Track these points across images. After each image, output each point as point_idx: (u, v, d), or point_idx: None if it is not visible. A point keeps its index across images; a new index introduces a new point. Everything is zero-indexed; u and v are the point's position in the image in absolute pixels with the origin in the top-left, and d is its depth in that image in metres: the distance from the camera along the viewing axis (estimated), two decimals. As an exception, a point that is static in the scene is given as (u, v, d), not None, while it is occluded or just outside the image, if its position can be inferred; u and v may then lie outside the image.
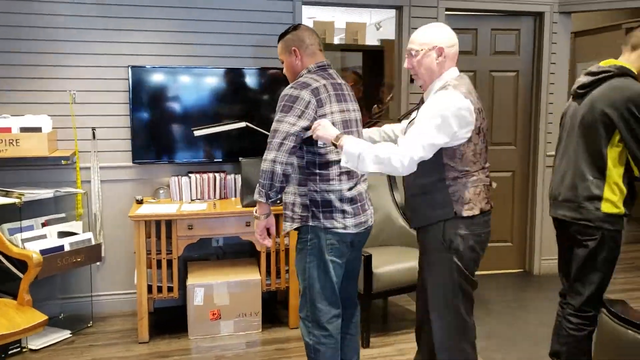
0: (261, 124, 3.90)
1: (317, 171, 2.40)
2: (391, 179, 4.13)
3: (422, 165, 2.23)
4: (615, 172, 2.53)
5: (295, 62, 2.51)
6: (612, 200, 2.52)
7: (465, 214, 2.26)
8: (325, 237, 2.42)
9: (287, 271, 3.70)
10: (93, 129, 3.78)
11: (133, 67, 3.70)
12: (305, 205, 2.42)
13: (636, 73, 2.59)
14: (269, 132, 3.79)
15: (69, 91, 3.73)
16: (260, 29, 4.03)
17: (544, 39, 4.63)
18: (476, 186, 2.29)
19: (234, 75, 3.93)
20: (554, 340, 2.84)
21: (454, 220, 2.28)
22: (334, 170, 2.40)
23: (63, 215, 3.70)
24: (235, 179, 3.92)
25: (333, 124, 2.36)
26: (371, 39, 7.33)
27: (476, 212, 2.28)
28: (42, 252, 3.15)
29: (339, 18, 7.74)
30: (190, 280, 3.52)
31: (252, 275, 3.62)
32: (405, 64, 2.36)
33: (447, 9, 4.41)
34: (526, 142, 4.81)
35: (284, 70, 2.60)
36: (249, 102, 3.97)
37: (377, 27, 7.62)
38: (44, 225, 3.56)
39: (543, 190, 4.76)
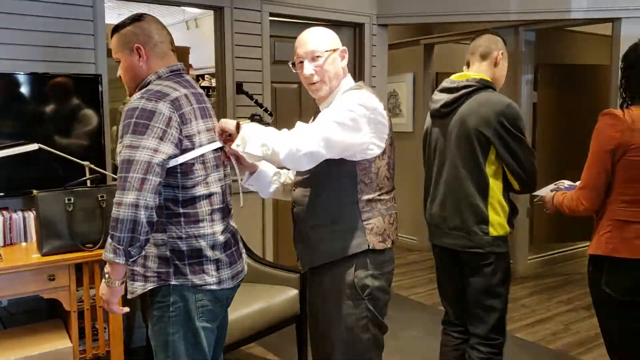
0: (56, 146, 3.05)
1: (181, 210, 1.80)
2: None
3: (332, 184, 1.87)
4: (496, 189, 2.37)
5: (139, 64, 1.87)
6: (498, 222, 2.37)
7: (378, 246, 1.91)
8: (194, 297, 1.82)
9: (106, 330, 2.93)
10: None
11: None
12: (164, 257, 1.80)
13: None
14: (67, 155, 3.08)
15: None
16: (53, 25, 3.18)
17: (365, 51, 4.54)
18: (390, 214, 1.96)
19: (15, 83, 3.03)
20: None
21: (364, 257, 1.90)
22: (203, 208, 1.83)
23: None
24: (25, 218, 3.00)
25: (202, 146, 1.82)
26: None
27: (388, 245, 1.94)
28: None
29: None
30: (-30, 364, 2.56)
31: (60, 343, 2.77)
32: (306, 71, 1.94)
33: (271, 14, 4.04)
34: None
35: (120, 74, 1.93)
36: (41, 118, 3.10)
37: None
38: None
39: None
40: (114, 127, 5.10)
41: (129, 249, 1.65)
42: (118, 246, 1.65)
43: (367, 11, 4.49)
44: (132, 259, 1.68)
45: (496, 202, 2.37)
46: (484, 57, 2.46)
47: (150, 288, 1.82)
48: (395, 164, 2.05)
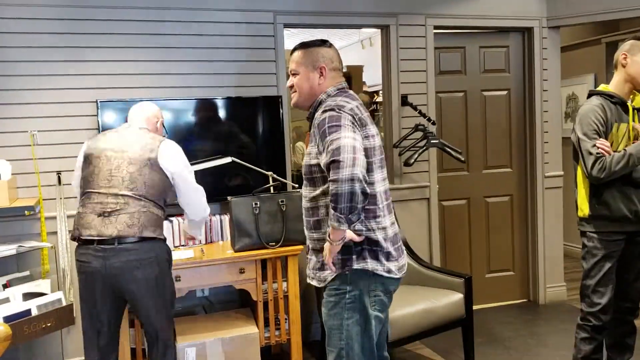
0: (245, 158, 3.53)
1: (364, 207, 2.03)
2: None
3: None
4: None
5: (318, 81, 2.17)
6: None
7: None
8: (368, 287, 2.06)
9: (287, 321, 3.31)
10: (58, 173, 3.34)
11: (102, 102, 3.30)
12: (347, 246, 2.04)
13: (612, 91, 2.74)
14: (256, 166, 3.55)
15: (29, 132, 3.29)
16: (240, 56, 3.69)
17: (535, 55, 4.44)
18: None
19: (214, 107, 3.58)
20: None
21: None
22: (378, 204, 2.07)
23: (27, 273, 3.23)
24: (221, 221, 3.52)
25: (373, 148, 2.08)
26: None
27: None
28: (6, 319, 2.71)
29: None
30: (181, 340, 3.08)
31: (248, 329, 3.20)
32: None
33: (435, 27, 4.19)
34: (523, 163, 4.58)
35: (294, 84, 2.21)
36: (233, 135, 3.61)
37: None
38: (5, 286, 3.08)
39: (544, 213, 4.52)
40: (299, 143, 5.63)
41: (349, 216, 1.92)
42: (340, 215, 1.91)
43: (535, 14, 4.40)
44: (352, 224, 1.96)
45: None
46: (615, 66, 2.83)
47: (337, 273, 2.07)
48: None
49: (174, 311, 2.73)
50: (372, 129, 2.09)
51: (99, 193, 2.51)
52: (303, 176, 2.17)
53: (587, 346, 2.76)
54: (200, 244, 3.42)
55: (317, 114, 2.08)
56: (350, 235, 1.99)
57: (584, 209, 2.75)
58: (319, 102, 2.16)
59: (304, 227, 2.21)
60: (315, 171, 2.09)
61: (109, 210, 2.47)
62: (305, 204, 2.18)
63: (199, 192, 2.75)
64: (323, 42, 2.22)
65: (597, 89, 2.83)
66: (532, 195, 4.54)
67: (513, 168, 4.57)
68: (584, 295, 2.78)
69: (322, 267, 2.12)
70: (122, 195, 2.49)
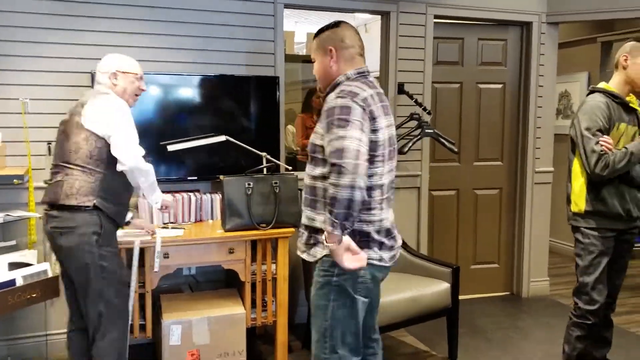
0: (238, 138, 3.48)
1: None
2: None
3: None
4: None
5: (330, 64, 2.14)
6: None
7: None
8: (358, 271, 2.05)
9: (274, 303, 3.31)
10: (49, 143, 3.28)
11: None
12: None
13: (615, 91, 2.77)
14: (249, 147, 3.52)
15: (20, 99, 3.23)
16: (237, 33, 3.64)
17: (532, 50, 4.45)
18: None
19: (208, 84, 3.53)
20: None
21: None
22: (376, 197, 2.06)
23: (13, 242, 3.18)
24: (212, 199, 3.50)
25: (378, 142, 2.04)
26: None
27: None
28: (-10, 288, 2.67)
29: (299, 29, 7.45)
30: (166, 317, 3.06)
31: (235, 309, 3.20)
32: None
33: (436, 16, 4.16)
34: (514, 157, 4.61)
35: (315, 71, 2.22)
36: (225, 114, 3.58)
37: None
38: (-10, 255, 3.04)
39: (531, 208, 4.55)
40: (289, 126, 5.59)
41: (344, 222, 1.92)
42: (335, 220, 1.91)
43: (535, 9, 4.40)
44: (346, 230, 1.94)
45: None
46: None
47: (326, 253, 2.05)
48: None
49: (119, 301, 2.63)
50: (382, 122, 2.05)
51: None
52: (308, 153, 2.16)
53: (583, 344, 2.80)
54: (190, 222, 3.40)
55: (330, 97, 2.05)
56: (348, 243, 1.97)
57: (579, 204, 2.76)
58: (336, 84, 2.13)
59: (302, 203, 2.21)
60: (318, 151, 2.08)
61: (49, 179, 2.65)
62: (306, 180, 2.17)
63: (130, 137, 2.56)
64: (335, 24, 2.18)
65: (599, 86, 2.84)
66: (522, 190, 4.57)
67: (504, 161, 4.60)
68: (583, 292, 2.78)
69: (314, 243, 2.12)
70: (54, 164, 2.63)
